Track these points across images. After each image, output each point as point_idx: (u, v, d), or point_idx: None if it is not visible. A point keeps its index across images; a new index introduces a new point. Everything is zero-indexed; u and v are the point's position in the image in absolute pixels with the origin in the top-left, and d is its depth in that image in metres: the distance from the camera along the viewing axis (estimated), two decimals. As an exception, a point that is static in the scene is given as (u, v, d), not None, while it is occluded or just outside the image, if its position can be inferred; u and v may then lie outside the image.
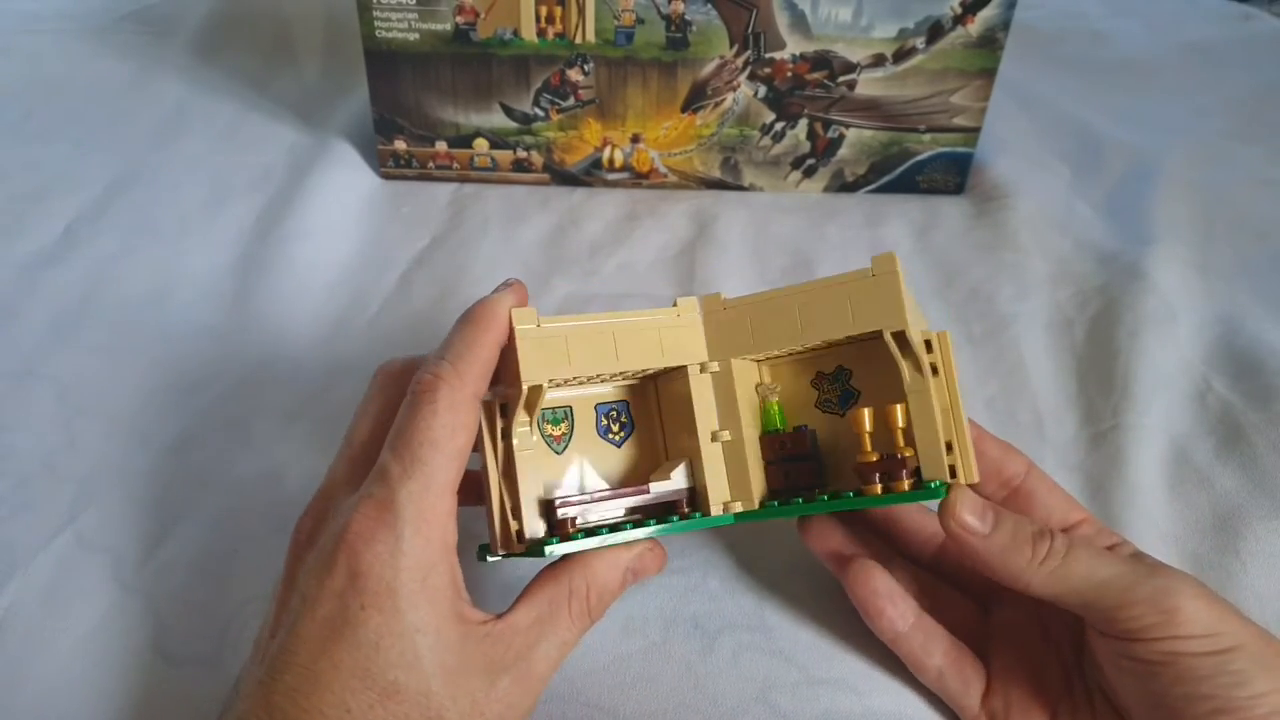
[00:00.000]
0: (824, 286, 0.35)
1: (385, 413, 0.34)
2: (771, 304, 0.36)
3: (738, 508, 0.35)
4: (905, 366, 0.34)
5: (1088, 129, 0.72)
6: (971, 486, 0.34)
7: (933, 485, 0.33)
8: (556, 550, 0.32)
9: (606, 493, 0.35)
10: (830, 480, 0.37)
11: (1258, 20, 0.92)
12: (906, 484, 0.33)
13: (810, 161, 0.64)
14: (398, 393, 0.33)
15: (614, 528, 0.34)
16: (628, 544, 0.34)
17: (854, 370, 0.37)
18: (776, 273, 0.58)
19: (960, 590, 0.38)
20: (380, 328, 0.54)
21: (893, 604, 0.35)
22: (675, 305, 0.36)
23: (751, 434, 0.36)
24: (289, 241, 0.59)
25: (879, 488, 0.33)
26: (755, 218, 0.63)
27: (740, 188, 0.65)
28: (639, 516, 0.35)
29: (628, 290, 0.57)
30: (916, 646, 0.35)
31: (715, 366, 0.36)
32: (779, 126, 0.62)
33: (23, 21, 0.84)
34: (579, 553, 0.33)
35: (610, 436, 0.38)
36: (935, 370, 0.34)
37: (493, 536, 0.34)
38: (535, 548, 0.33)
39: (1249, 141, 0.71)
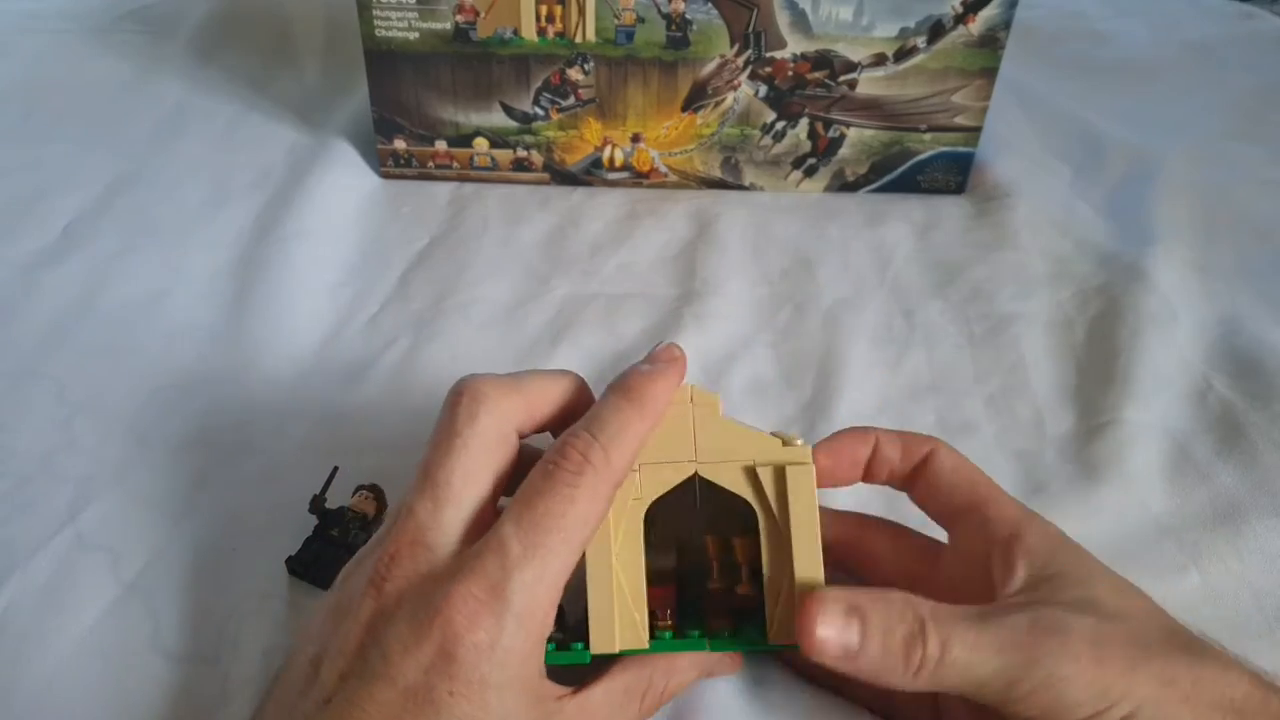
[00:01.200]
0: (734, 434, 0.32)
1: (489, 461, 0.31)
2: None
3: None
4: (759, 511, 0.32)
5: (1089, 128, 0.72)
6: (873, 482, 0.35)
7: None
8: (690, 649, 0.31)
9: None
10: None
11: (1259, 20, 0.91)
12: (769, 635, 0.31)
13: (811, 161, 0.64)
14: (500, 441, 0.31)
15: (704, 634, 0.32)
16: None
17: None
18: (777, 273, 0.58)
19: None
20: (380, 327, 0.54)
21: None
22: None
23: None
24: (289, 241, 0.59)
25: (725, 621, 0.33)
26: (756, 217, 0.63)
27: (741, 187, 0.65)
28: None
29: (628, 290, 0.57)
30: (859, 688, 0.33)
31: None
32: (780, 126, 0.62)
33: (23, 21, 0.84)
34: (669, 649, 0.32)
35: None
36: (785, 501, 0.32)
37: (598, 629, 0.31)
38: (677, 642, 0.31)
39: (1250, 141, 0.71)
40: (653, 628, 0.31)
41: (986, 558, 0.32)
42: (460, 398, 0.31)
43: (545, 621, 0.29)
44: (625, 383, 0.31)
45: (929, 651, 0.28)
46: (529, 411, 0.32)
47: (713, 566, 0.34)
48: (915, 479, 0.35)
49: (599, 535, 0.31)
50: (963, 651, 0.28)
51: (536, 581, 0.28)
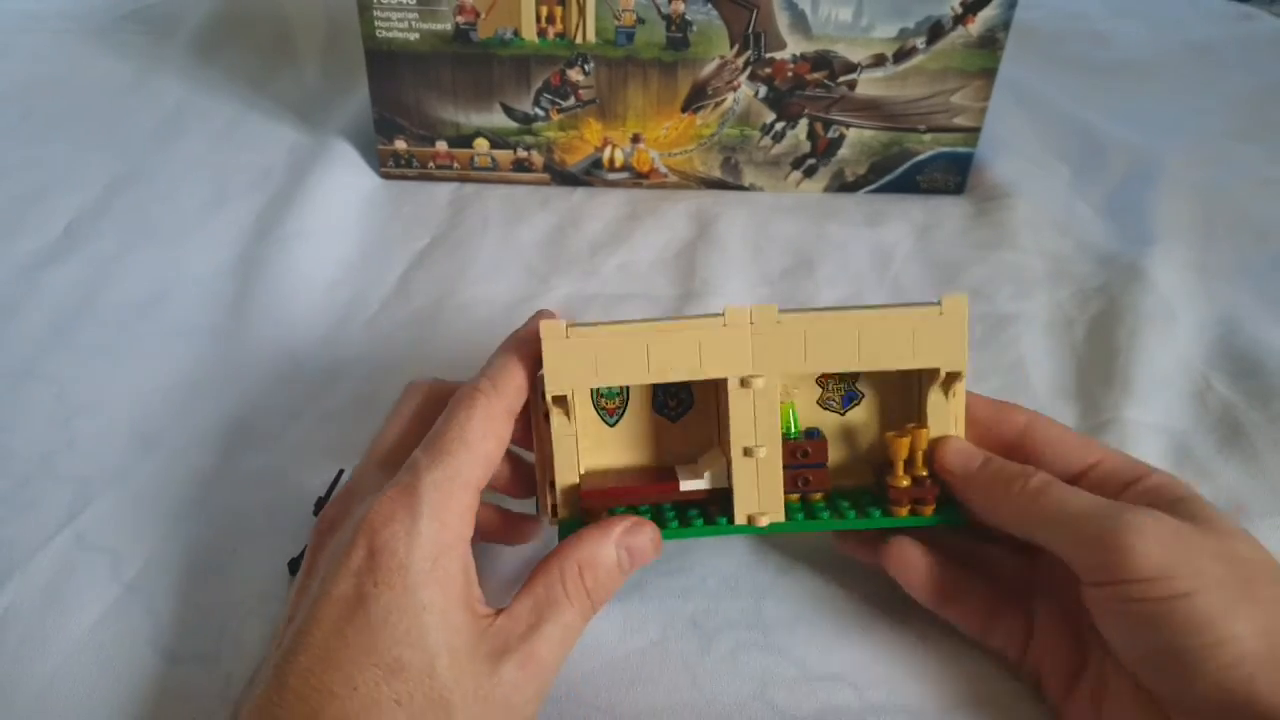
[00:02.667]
0: (887, 316, 0.35)
1: (412, 421, 0.36)
2: (829, 324, 0.35)
3: (764, 521, 0.35)
4: (936, 402, 0.36)
5: (1088, 129, 0.72)
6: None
7: (949, 511, 0.36)
8: (560, 529, 0.35)
9: (635, 488, 0.36)
10: (834, 478, 0.37)
11: (1258, 20, 0.92)
12: (929, 509, 0.36)
13: (811, 161, 0.64)
14: (426, 405, 0.36)
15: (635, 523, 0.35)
16: (624, 518, 0.34)
17: (860, 372, 0.38)
18: (777, 273, 0.58)
19: (1003, 545, 0.38)
20: (380, 327, 0.54)
21: (929, 573, 0.36)
22: (724, 314, 0.35)
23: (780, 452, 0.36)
24: (289, 241, 0.59)
25: (906, 510, 0.36)
26: (756, 218, 0.63)
27: (741, 188, 0.65)
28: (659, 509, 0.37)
29: (628, 290, 0.57)
30: (959, 607, 0.36)
31: (760, 384, 0.35)
32: (779, 126, 0.62)
33: (23, 21, 0.84)
34: (578, 532, 0.34)
35: (667, 411, 0.38)
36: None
37: (540, 502, 0.37)
38: (562, 527, 0.35)
39: (1249, 141, 0.71)
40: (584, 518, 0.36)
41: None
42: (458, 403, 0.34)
43: (462, 521, 0.31)
44: (505, 339, 0.36)
45: (1033, 482, 0.33)
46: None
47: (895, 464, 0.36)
48: (1013, 445, 0.37)
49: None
50: (1060, 490, 0.33)
51: (447, 481, 0.31)
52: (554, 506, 0.36)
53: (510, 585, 0.39)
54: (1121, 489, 0.34)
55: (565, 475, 0.36)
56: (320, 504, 0.41)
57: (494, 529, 0.39)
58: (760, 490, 0.35)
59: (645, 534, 0.34)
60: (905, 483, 0.35)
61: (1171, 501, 0.32)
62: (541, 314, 0.37)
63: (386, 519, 0.30)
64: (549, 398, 0.34)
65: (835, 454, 0.38)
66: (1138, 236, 0.59)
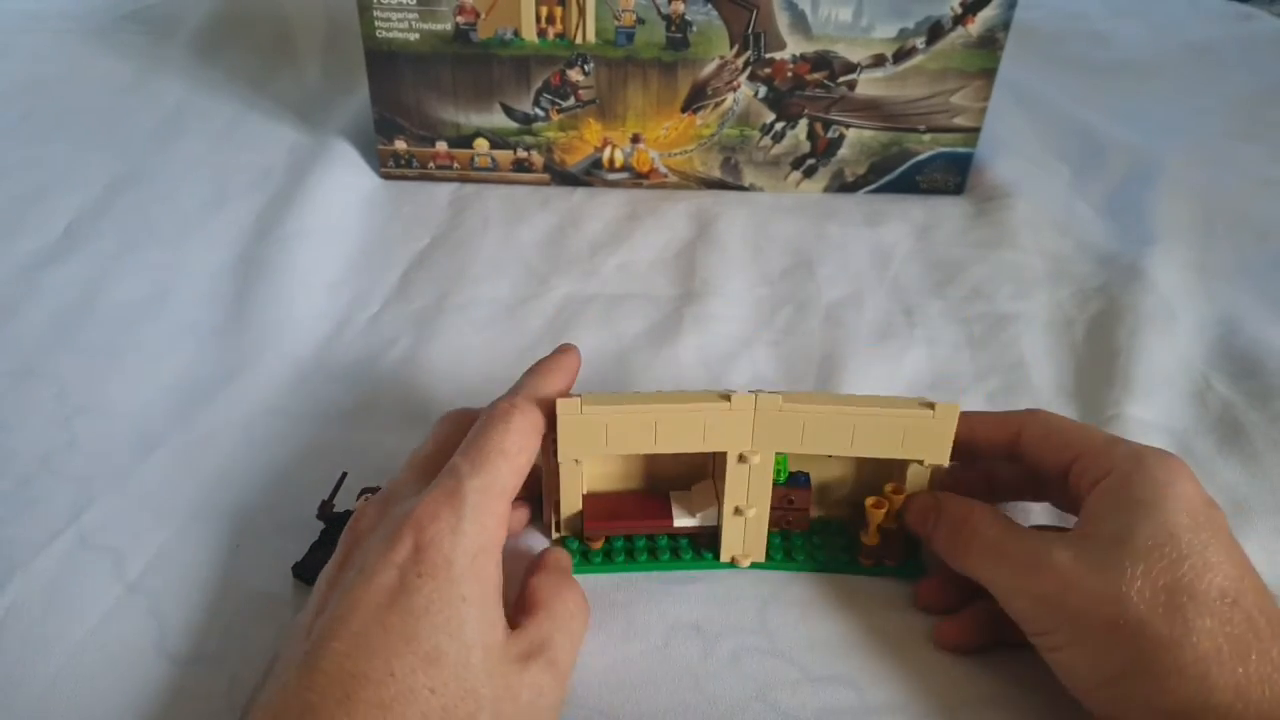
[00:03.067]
0: (882, 414, 0.37)
1: (450, 438, 0.37)
2: (828, 418, 0.37)
3: (746, 562, 0.40)
4: (916, 470, 0.38)
5: (1088, 129, 0.72)
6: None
7: (910, 564, 0.40)
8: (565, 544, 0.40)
9: (633, 522, 0.40)
10: (815, 507, 0.41)
11: (1258, 20, 0.92)
12: (891, 562, 0.40)
13: (810, 161, 0.64)
14: (458, 430, 0.37)
15: (630, 554, 0.40)
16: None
17: None
18: (777, 273, 0.58)
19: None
20: (380, 327, 0.54)
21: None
22: (729, 398, 0.37)
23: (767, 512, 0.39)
24: (289, 241, 0.59)
25: (871, 562, 0.40)
26: (755, 218, 0.63)
27: (740, 188, 0.65)
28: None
29: (628, 290, 0.57)
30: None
31: (757, 460, 0.38)
32: (779, 127, 0.62)
33: (23, 21, 0.84)
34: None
35: None
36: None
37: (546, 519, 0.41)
38: (565, 542, 0.40)
39: (1249, 141, 0.71)
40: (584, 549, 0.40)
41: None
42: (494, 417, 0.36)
43: (497, 528, 0.33)
44: (536, 363, 0.39)
45: (964, 531, 0.36)
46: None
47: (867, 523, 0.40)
48: (1016, 452, 0.39)
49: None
50: (984, 541, 0.36)
51: (485, 488, 0.33)
52: (558, 523, 0.40)
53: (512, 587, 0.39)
54: (1090, 489, 0.35)
55: (570, 504, 0.39)
56: (323, 506, 0.41)
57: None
58: (746, 540, 0.39)
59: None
60: (874, 541, 0.39)
61: (1117, 503, 0.34)
62: (564, 348, 0.40)
63: (433, 516, 0.32)
64: (561, 466, 0.38)
65: (817, 484, 0.41)
66: (1138, 236, 0.59)
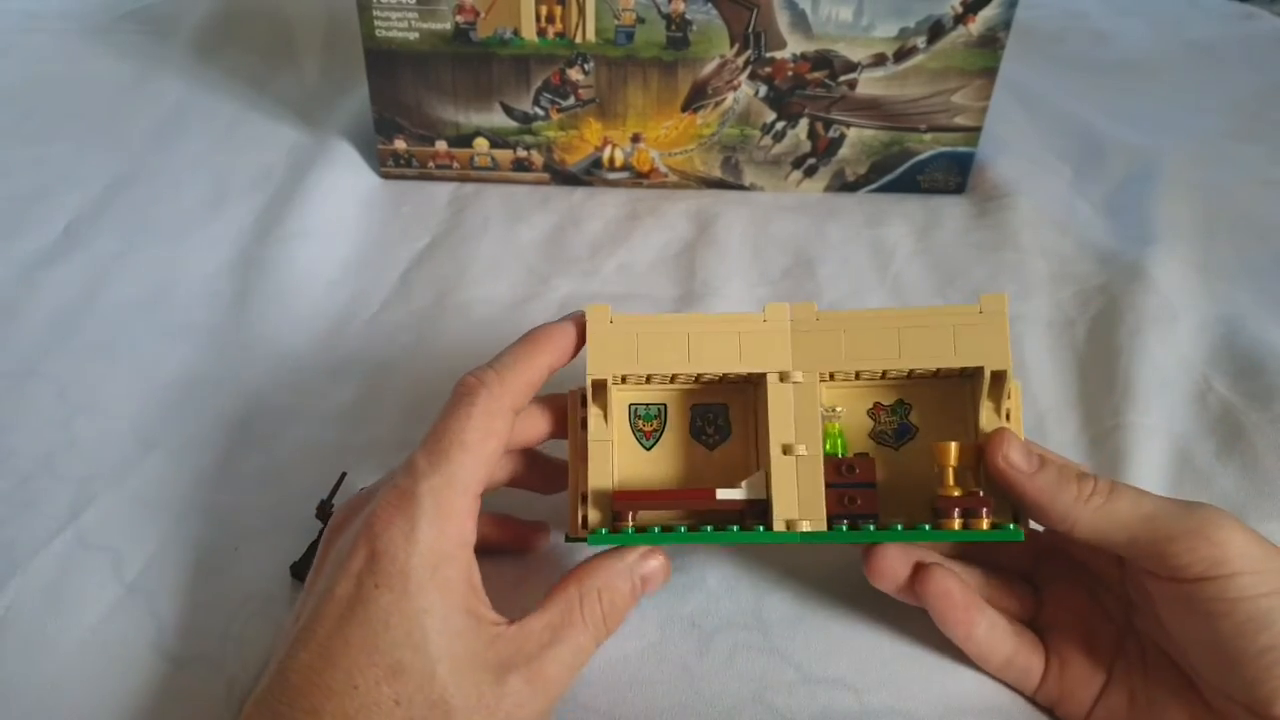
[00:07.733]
0: (927, 314, 0.35)
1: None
2: (870, 323, 0.35)
3: (804, 527, 0.33)
4: (988, 408, 0.35)
5: (1089, 128, 0.72)
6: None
7: (1010, 527, 0.33)
8: (599, 544, 0.33)
9: (670, 491, 0.36)
10: (883, 512, 0.35)
11: (1259, 20, 0.92)
12: (986, 523, 0.33)
13: (811, 161, 0.64)
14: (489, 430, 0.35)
15: (667, 529, 0.34)
16: (638, 547, 0.34)
17: (914, 405, 0.37)
18: (777, 272, 0.58)
19: (1010, 574, 0.38)
20: (380, 327, 0.54)
21: (969, 610, 0.35)
22: (763, 311, 0.35)
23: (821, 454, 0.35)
24: (289, 241, 0.59)
25: (957, 523, 0.33)
26: (756, 217, 0.63)
27: (741, 187, 0.65)
28: (696, 522, 0.35)
29: (628, 290, 0.57)
30: (985, 641, 0.35)
31: (799, 377, 0.34)
32: (780, 126, 0.62)
33: (23, 21, 0.84)
34: (595, 557, 0.34)
35: (704, 438, 0.38)
36: (1007, 416, 0.35)
37: (571, 520, 0.35)
38: (592, 536, 0.34)
39: (1250, 141, 0.71)
40: (616, 528, 0.34)
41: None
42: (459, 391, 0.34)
43: (462, 527, 0.31)
44: (528, 331, 0.36)
45: (1100, 484, 0.33)
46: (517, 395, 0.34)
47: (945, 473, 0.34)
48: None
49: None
50: (1131, 491, 0.32)
51: (445, 486, 0.31)
52: (584, 519, 0.35)
53: (515, 592, 0.39)
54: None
55: (599, 479, 0.35)
56: (322, 506, 0.41)
57: (498, 539, 0.39)
58: (800, 493, 0.34)
59: (657, 560, 0.34)
60: (956, 491, 0.33)
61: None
62: (566, 318, 0.36)
63: (386, 523, 0.31)
64: (589, 384, 0.34)
65: (886, 489, 0.35)
66: (1139, 236, 0.59)
